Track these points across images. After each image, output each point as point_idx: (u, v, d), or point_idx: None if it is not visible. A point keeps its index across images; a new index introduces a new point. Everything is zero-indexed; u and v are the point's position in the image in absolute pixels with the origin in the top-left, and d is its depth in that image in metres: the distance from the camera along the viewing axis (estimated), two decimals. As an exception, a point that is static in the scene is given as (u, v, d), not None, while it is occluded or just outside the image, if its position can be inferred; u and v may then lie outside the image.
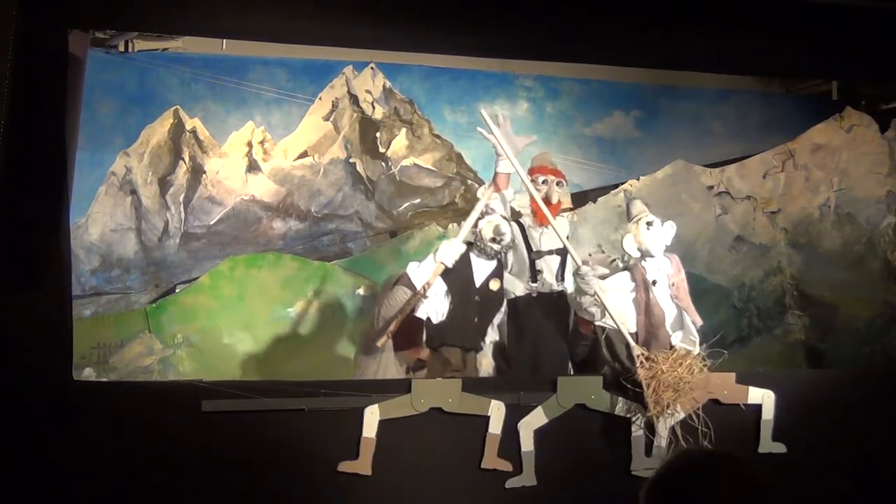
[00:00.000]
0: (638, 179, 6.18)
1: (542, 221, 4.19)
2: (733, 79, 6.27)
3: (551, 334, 4.22)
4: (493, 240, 4.06)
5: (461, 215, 5.84)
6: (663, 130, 6.23)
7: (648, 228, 4.07)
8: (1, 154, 3.00)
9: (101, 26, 4.51)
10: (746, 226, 6.34)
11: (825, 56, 4.29)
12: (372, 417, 3.56)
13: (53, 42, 3.25)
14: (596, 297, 3.91)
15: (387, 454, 3.59)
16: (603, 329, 4.07)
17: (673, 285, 4.13)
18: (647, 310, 4.01)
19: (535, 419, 3.75)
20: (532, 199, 4.20)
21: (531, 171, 4.29)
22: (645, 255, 4.09)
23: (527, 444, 3.73)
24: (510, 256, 4.27)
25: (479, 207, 4.11)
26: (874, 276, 6.24)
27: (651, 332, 4.00)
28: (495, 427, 3.67)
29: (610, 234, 6.04)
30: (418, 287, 3.94)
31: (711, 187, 6.31)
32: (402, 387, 3.66)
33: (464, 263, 4.09)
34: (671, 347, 4.02)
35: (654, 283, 4.06)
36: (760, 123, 6.41)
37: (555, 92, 6.07)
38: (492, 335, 4.19)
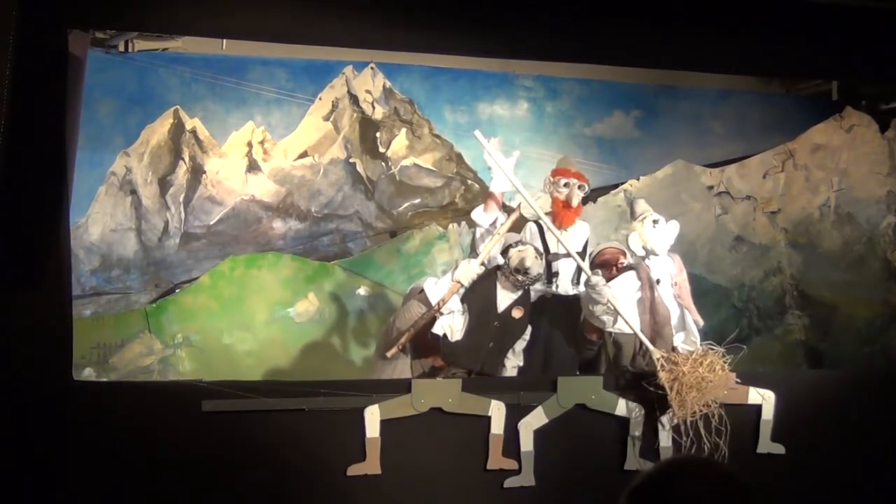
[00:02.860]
0: (638, 179, 6.18)
1: (560, 224, 4.18)
2: (733, 79, 6.27)
3: (564, 337, 4.20)
4: (517, 270, 3.99)
5: (461, 215, 5.85)
6: (663, 130, 6.23)
7: (654, 226, 4.07)
8: (1, 154, 3.00)
9: (101, 26, 4.51)
10: (746, 226, 6.35)
11: (825, 56, 4.29)
12: (373, 418, 3.55)
13: (53, 42, 3.25)
14: (609, 305, 3.90)
15: (386, 454, 3.59)
16: (610, 334, 4.07)
17: (675, 284, 4.14)
18: (651, 308, 4.02)
19: (534, 419, 3.74)
20: (553, 201, 4.18)
21: (554, 173, 4.29)
22: (650, 253, 4.09)
23: (526, 444, 3.73)
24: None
25: (502, 230, 4.08)
26: (874, 276, 6.25)
27: (656, 330, 4.00)
28: (497, 427, 3.67)
29: (610, 234, 6.04)
30: (433, 303, 3.94)
31: (711, 187, 6.32)
32: (403, 387, 3.66)
33: (488, 287, 4.05)
34: (673, 348, 4.02)
35: (658, 281, 4.07)
36: (760, 123, 6.41)
37: (555, 92, 6.07)
38: (513, 360, 4.15)
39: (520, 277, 4.01)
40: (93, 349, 5.14)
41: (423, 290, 4.03)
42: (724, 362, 3.78)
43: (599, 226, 6.04)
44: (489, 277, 4.06)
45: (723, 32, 3.96)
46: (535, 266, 4.02)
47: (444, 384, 3.75)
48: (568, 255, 4.13)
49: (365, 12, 3.62)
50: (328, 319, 5.53)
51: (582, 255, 4.19)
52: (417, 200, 5.87)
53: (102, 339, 5.19)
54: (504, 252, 4.07)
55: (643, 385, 3.77)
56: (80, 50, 3.40)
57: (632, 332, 3.95)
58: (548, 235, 4.21)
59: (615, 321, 3.97)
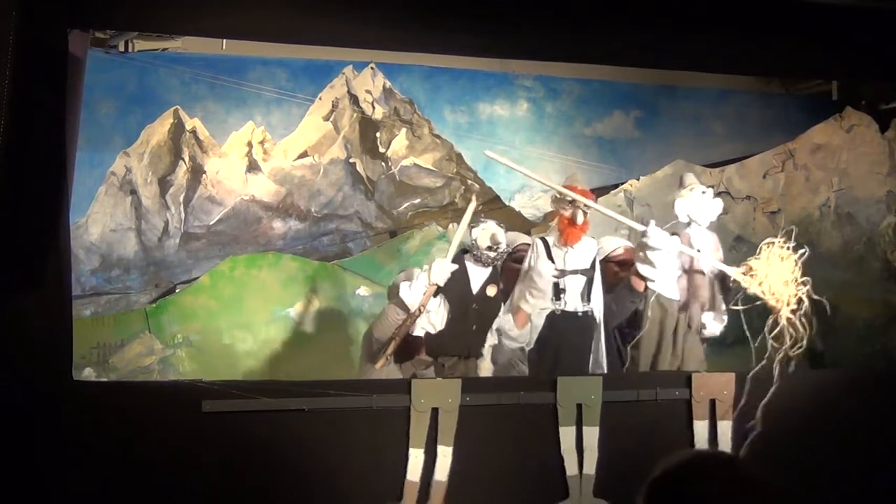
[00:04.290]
0: (638, 179, 6.18)
1: (566, 241, 4.18)
2: (733, 79, 6.27)
3: (574, 355, 4.18)
4: (490, 248, 4.06)
5: (461, 215, 5.83)
6: (663, 130, 6.24)
7: (703, 195, 4.20)
8: (1, 154, 2.99)
9: (101, 26, 4.50)
10: (746, 226, 6.35)
11: (825, 56, 4.29)
12: (416, 461, 3.55)
13: (53, 42, 3.25)
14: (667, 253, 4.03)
15: (380, 452, 3.59)
16: (654, 292, 4.13)
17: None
18: (689, 272, 4.15)
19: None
20: (559, 218, 4.20)
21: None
22: (692, 221, 4.19)
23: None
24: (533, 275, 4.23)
25: (463, 224, 4.13)
26: (874, 276, 6.25)
27: (691, 292, 4.17)
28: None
29: (611, 235, 6.04)
30: (412, 309, 3.96)
31: (711, 187, 6.31)
32: (402, 387, 3.65)
33: (459, 272, 4.08)
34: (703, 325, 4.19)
35: (697, 250, 4.14)
36: (760, 123, 6.42)
37: (555, 92, 6.07)
38: (491, 339, 4.18)
39: (492, 254, 4.07)
40: (93, 349, 5.14)
41: (398, 296, 4.02)
42: (786, 248, 3.87)
43: (599, 226, 6.03)
44: (458, 263, 4.10)
45: (723, 32, 3.95)
46: (504, 238, 4.11)
47: (444, 384, 3.74)
48: (575, 272, 4.14)
49: (365, 12, 3.62)
50: (328, 319, 5.53)
51: (591, 270, 4.19)
52: (417, 200, 5.87)
53: (102, 339, 5.19)
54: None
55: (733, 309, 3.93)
56: (80, 50, 3.40)
57: (674, 299, 4.12)
58: (554, 251, 4.22)
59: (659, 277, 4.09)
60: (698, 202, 4.21)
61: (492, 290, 4.12)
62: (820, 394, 4.07)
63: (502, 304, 4.19)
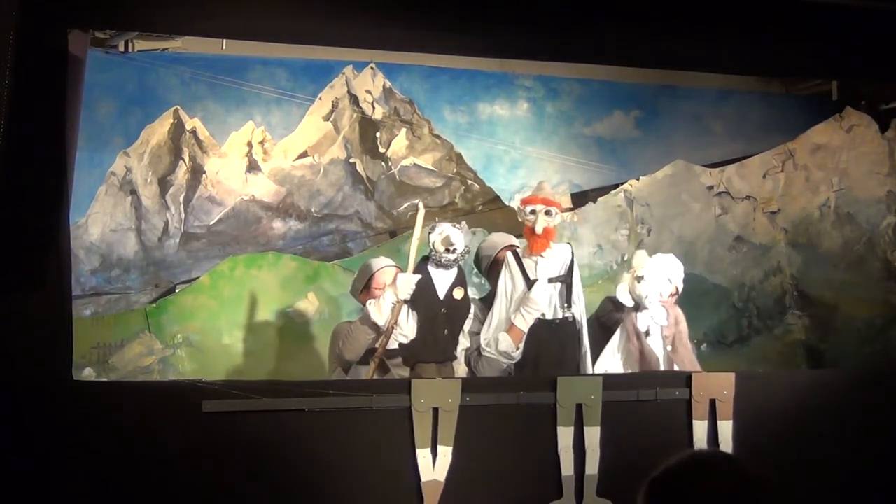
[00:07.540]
0: (638, 179, 6.18)
1: (532, 250, 4.19)
2: (733, 79, 6.28)
3: (559, 362, 4.17)
4: (447, 250, 4.10)
5: (461, 215, 5.86)
6: (663, 130, 6.24)
7: (639, 283, 4.11)
8: (1, 154, 3.00)
9: (101, 26, 4.51)
10: (746, 226, 6.35)
11: (825, 56, 4.29)
12: (426, 462, 3.55)
13: (53, 42, 3.25)
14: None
15: (380, 452, 3.59)
16: None
17: (666, 338, 4.16)
18: (641, 358, 4.11)
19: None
20: (525, 228, 4.22)
21: (523, 202, 4.30)
22: (639, 305, 4.13)
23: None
24: (508, 287, 4.24)
25: (416, 235, 4.17)
26: (874, 276, 6.24)
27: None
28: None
29: (610, 234, 6.05)
30: (383, 327, 4.00)
31: (711, 187, 6.32)
32: (403, 387, 3.65)
33: (424, 279, 4.12)
34: None
35: (647, 333, 4.11)
36: (760, 123, 6.42)
37: (555, 92, 6.07)
38: (463, 342, 4.20)
39: (451, 256, 4.10)
40: (93, 349, 5.14)
41: (366, 315, 4.04)
42: None
43: (599, 226, 6.06)
44: (420, 270, 4.12)
45: (723, 32, 3.95)
46: (460, 238, 4.14)
47: (444, 384, 3.74)
48: (551, 280, 4.15)
49: (365, 12, 3.62)
50: (328, 319, 5.53)
51: (568, 277, 4.18)
52: (417, 200, 5.87)
53: (102, 339, 5.19)
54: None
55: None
56: (80, 50, 3.40)
57: None
58: (525, 261, 4.23)
59: None
60: (638, 286, 4.12)
61: (458, 293, 4.14)
62: (820, 394, 4.07)
63: (472, 305, 4.22)
